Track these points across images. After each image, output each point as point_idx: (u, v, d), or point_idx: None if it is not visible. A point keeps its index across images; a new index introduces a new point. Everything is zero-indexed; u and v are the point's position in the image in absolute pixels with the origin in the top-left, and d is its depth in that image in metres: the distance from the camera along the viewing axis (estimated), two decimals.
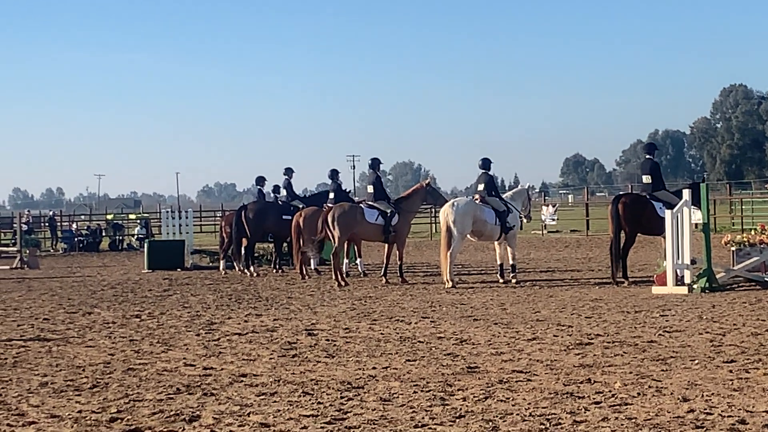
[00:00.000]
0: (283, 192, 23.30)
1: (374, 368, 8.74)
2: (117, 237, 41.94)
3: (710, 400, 7.00)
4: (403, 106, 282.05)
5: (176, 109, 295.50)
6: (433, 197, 19.58)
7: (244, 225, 21.75)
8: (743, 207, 39.49)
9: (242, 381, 8.28)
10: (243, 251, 22.20)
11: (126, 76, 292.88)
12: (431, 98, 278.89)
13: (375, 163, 19.60)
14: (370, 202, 18.91)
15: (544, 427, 6.37)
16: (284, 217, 21.71)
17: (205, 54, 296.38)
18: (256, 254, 23.01)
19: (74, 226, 45.37)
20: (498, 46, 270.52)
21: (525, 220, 19.22)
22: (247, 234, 21.77)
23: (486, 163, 18.40)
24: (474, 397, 7.35)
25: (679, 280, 15.24)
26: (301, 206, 21.73)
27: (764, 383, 7.53)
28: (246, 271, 21.70)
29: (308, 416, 6.87)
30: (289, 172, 23.22)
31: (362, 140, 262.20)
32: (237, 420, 6.82)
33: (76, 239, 40.56)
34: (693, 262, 15.31)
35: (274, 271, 22.28)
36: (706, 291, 14.97)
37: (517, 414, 6.74)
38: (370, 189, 19.13)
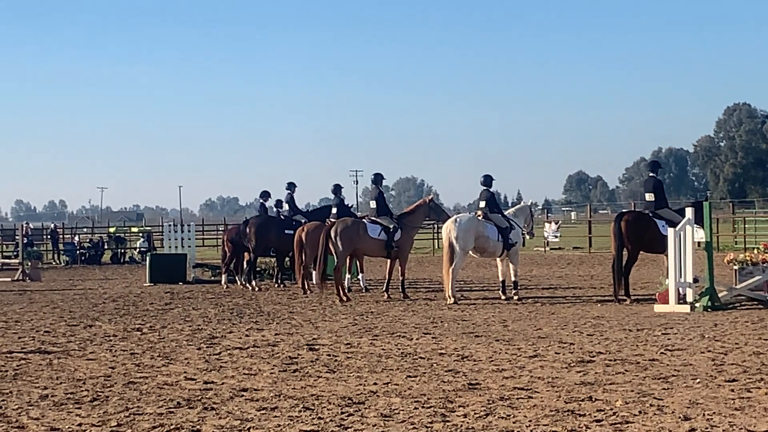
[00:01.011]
0: (286, 207, 23.34)
1: (375, 384, 8.73)
2: (119, 250, 42.01)
3: (712, 419, 6.97)
4: (406, 121, 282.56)
5: (179, 123, 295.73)
6: (436, 213, 19.58)
7: (246, 239, 21.77)
8: (746, 226, 39.49)
9: (243, 395, 8.27)
10: (245, 265, 22.22)
11: (129, 89, 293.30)
12: (434, 114, 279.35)
13: (378, 179, 19.63)
14: (372, 218, 18.92)
15: None
16: (286, 231, 21.73)
17: (208, 67, 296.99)
18: (258, 269, 23.03)
19: (76, 238, 45.43)
20: (502, 62, 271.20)
21: (527, 237, 19.27)
22: (250, 248, 21.79)
23: (488, 180, 18.43)
24: (475, 413, 7.33)
25: (681, 299, 15.22)
26: (303, 221, 21.76)
27: (766, 402, 7.51)
28: (248, 285, 21.71)
29: (309, 431, 6.86)
30: (291, 186, 23.24)
31: (365, 155, 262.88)
32: None
33: (78, 252, 40.62)
34: (695, 280, 15.29)
35: (276, 285, 22.30)
36: (709, 310, 14.95)
37: (518, 431, 6.72)
38: (373, 204, 19.15)
